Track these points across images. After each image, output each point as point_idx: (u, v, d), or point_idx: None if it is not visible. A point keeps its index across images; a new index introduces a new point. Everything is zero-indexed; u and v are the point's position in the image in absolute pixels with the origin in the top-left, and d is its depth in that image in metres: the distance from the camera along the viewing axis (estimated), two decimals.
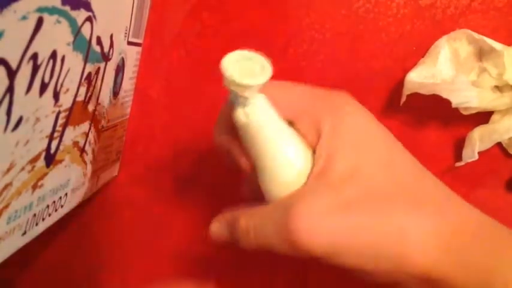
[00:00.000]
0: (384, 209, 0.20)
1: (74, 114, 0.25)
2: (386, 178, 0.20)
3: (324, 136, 0.21)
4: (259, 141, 0.22)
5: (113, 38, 0.28)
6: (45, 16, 0.19)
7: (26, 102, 0.20)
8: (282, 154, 0.22)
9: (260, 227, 0.22)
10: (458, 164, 0.33)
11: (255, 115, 0.21)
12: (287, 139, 0.22)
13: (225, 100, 0.24)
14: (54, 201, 0.26)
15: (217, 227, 0.24)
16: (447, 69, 0.32)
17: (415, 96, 0.32)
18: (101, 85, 0.28)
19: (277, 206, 0.22)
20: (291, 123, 0.23)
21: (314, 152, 0.22)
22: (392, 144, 0.22)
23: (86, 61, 0.25)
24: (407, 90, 0.32)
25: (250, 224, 0.22)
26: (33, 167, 0.22)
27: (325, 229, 0.20)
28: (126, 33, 0.31)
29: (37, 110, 0.21)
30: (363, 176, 0.20)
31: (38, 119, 0.21)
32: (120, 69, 0.31)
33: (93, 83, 0.27)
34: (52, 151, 0.24)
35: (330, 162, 0.21)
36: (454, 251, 0.19)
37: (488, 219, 0.21)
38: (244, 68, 0.21)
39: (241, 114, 0.22)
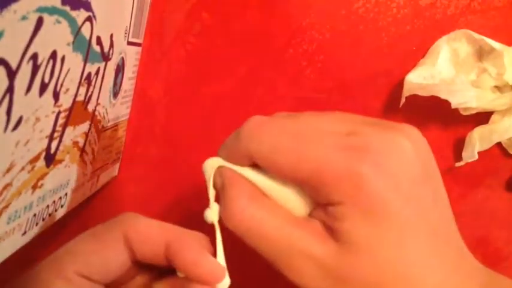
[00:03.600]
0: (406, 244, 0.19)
1: (74, 114, 0.25)
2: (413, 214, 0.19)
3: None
4: None
5: (113, 38, 0.28)
6: (45, 16, 0.19)
7: (26, 102, 0.20)
8: None
9: (262, 222, 0.21)
10: (458, 164, 0.33)
11: None
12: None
13: None
14: (54, 201, 0.26)
15: (213, 175, 0.23)
16: (447, 70, 0.32)
17: (415, 97, 0.32)
18: (101, 85, 0.28)
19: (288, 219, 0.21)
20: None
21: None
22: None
23: (86, 61, 0.25)
24: (406, 92, 0.32)
25: (255, 210, 0.21)
26: (33, 167, 0.22)
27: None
28: (126, 33, 0.31)
29: (37, 110, 0.21)
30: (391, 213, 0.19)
31: (38, 119, 0.21)
32: (120, 69, 0.31)
33: (93, 83, 0.27)
34: (52, 151, 0.24)
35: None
36: None
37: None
38: None
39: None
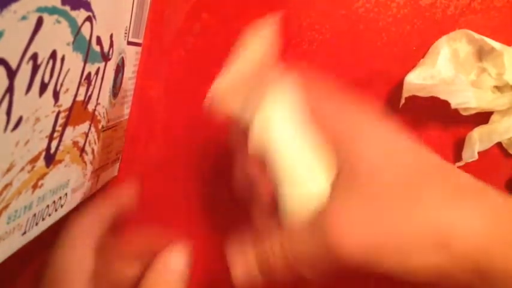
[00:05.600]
0: (419, 200, 0.19)
1: (74, 114, 0.25)
2: (411, 170, 0.20)
3: (341, 146, 0.21)
4: (279, 162, 0.22)
5: (113, 38, 0.28)
6: (45, 16, 0.19)
7: (25, 102, 0.20)
8: (303, 168, 0.22)
9: (299, 247, 0.21)
10: (458, 164, 0.33)
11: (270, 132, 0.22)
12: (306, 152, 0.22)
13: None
14: (54, 201, 0.26)
15: (244, 272, 0.23)
16: (447, 70, 0.32)
17: (414, 97, 0.32)
18: (101, 85, 0.28)
19: (312, 222, 0.21)
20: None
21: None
22: (402, 138, 0.22)
23: (85, 61, 0.25)
24: (406, 93, 0.32)
25: (287, 247, 0.21)
26: (33, 167, 0.22)
27: (364, 232, 0.19)
28: (126, 33, 0.31)
29: (37, 110, 0.21)
30: (385, 172, 0.20)
31: (37, 119, 0.21)
32: (120, 69, 0.31)
33: (93, 83, 0.27)
34: (52, 151, 0.24)
35: (352, 168, 0.21)
36: (502, 236, 0.18)
37: None
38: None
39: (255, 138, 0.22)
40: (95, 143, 0.30)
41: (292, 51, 0.35)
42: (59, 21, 0.20)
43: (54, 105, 0.22)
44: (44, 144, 0.23)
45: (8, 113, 0.18)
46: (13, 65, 0.18)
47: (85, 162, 0.29)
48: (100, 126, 0.30)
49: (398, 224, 0.19)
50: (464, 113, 0.32)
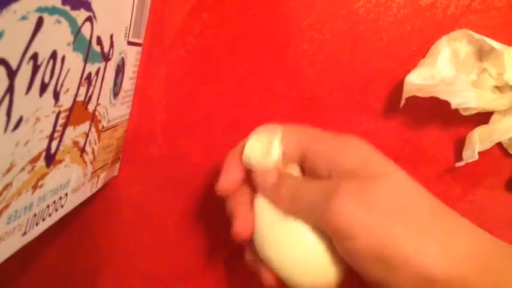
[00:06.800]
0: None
1: (74, 114, 0.25)
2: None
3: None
4: None
5: (113, 38, 0.28)
6: (45, 16, 0.19)
7: (26, 102, 0.20)
8: None
9: (301, 194, 0.25)
10: (458, 164, 0.33)
11: None
12: None
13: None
14: (54, 201, 0.26)
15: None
16: (447, 70, 0.32)
17: (415, 97, 0.32)
18: (101, 85, 0.28)
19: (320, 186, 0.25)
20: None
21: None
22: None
23: (86, 61, 0.25)
24: (406, 93, 0.32)
25: (294, 186, 0.26)
26: (33, 167, 0.22)
27: (359, 218, 0.22)
28: (126, 33, 0.31)
29: (37, 110, 0.21)
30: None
31: (38, 119, 0.21)
32: (120, 69, 0.31)
33: (93, 83, 0.27)
34: (52, 151, 0.24)
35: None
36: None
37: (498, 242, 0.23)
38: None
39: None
40: (95, 143, 0.30)
41: (292, 51, 0.35)
42: (59, 21, 0.20)
43: (55, 106, 0.22)
44: (44, 145, 0.23)
45: (8, 113, 0.18)
46: (13, 65, 0.18)
47: (85, 162, 0.29)
48: (100, 126, 0.30)
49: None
50: (465, 113, 0.32)
